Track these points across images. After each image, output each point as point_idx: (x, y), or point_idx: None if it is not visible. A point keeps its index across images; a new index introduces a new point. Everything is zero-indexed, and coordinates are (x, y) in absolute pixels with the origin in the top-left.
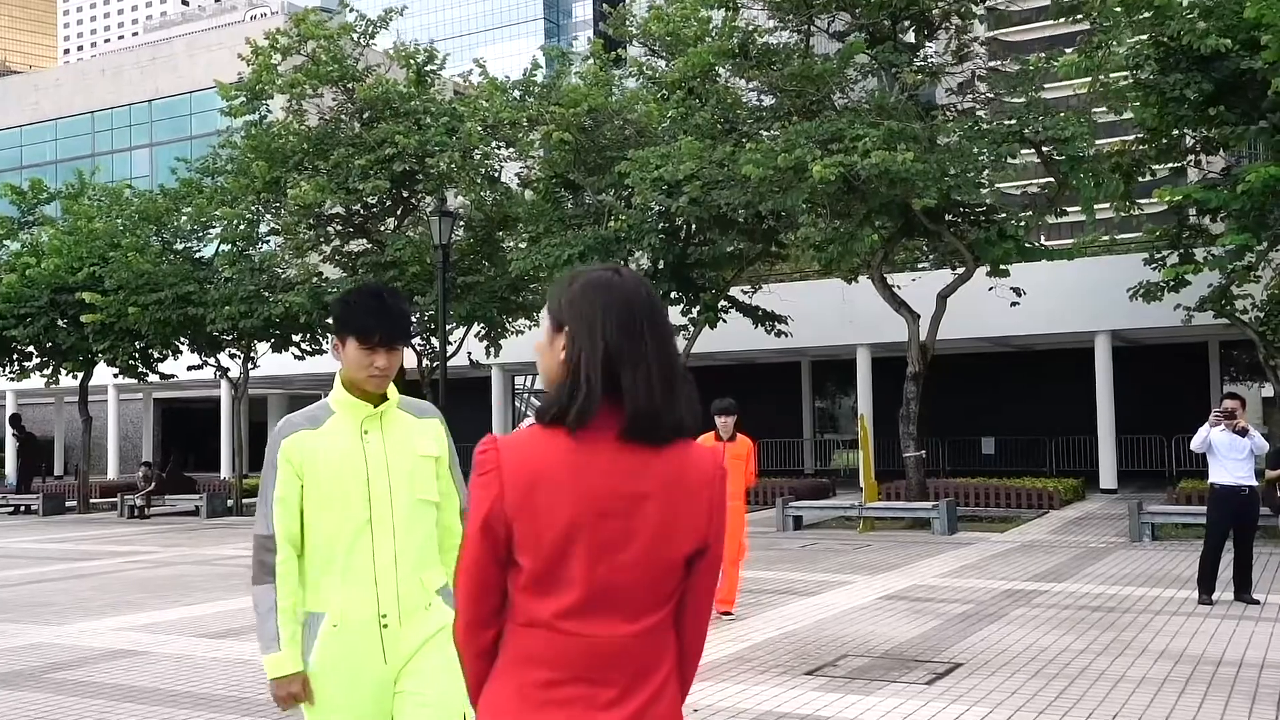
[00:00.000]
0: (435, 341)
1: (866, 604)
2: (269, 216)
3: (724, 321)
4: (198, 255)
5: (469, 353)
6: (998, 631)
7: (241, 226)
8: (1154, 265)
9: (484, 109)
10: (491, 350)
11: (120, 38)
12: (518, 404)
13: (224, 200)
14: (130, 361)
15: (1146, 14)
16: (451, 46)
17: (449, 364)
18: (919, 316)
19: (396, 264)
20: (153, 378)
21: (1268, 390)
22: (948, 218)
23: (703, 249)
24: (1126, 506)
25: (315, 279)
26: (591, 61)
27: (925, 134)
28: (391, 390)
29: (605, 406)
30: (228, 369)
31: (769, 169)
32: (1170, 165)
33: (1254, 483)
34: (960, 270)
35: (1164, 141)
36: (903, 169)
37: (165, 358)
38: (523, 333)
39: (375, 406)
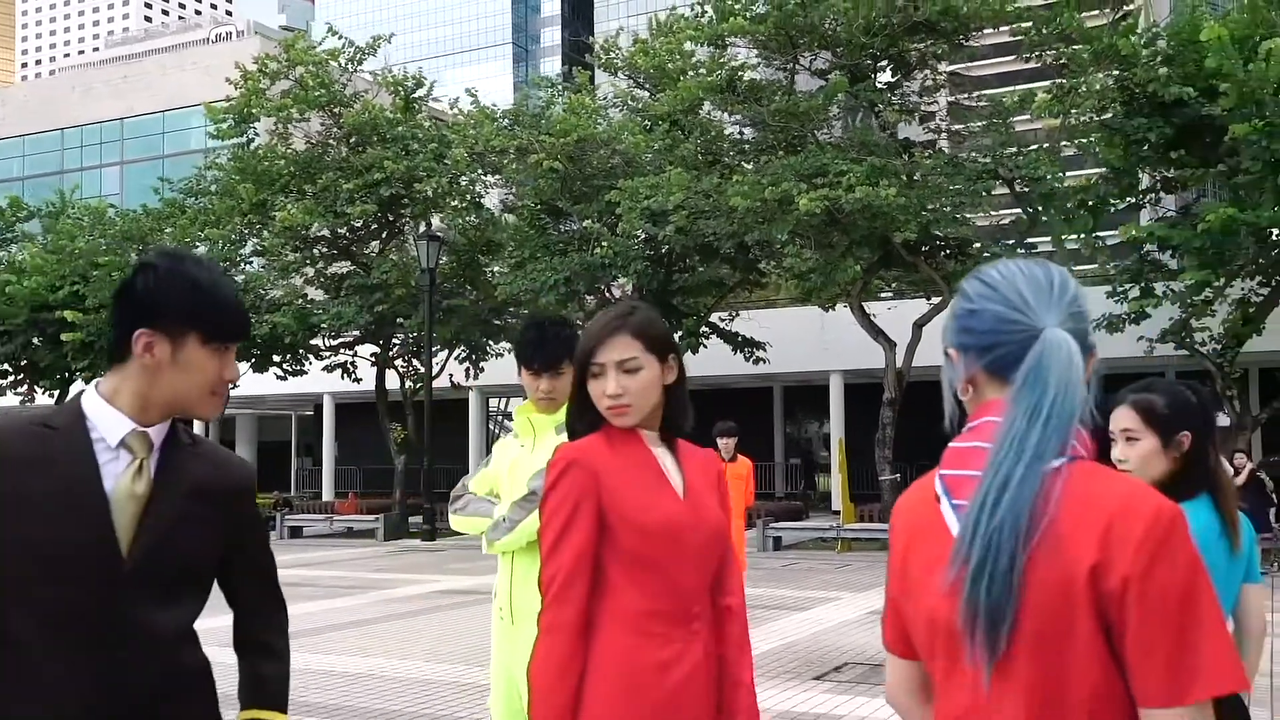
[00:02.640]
0: (418, 364)
1: (856, 618)
2: (253, 239)
3: (704, 347)
4: None
5: (450, 375)
6: None
7: (226, 248)
8: (1116, 298)
9: (471, 136)
10: (472, 373)
11: (81, 52)
12: (492, 426)
13: (208, 221)
14: None
15: (1114, 64)
16: (419, 69)
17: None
18: (895, 344)
19: (382, 286)
20: None
21: (1223, 420)
22: (925, 250)
23: (686, 276)
24: None
25: (300, 300)
26: (581, 93)
27: (905, 170)
28: (564, 410)
29: None
30: None
31: (756, 200)
32: (1132, 202)
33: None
34: (936, 300)
35: (1127, 181)
36: (885, 204)
37: None
38: (503, 355)
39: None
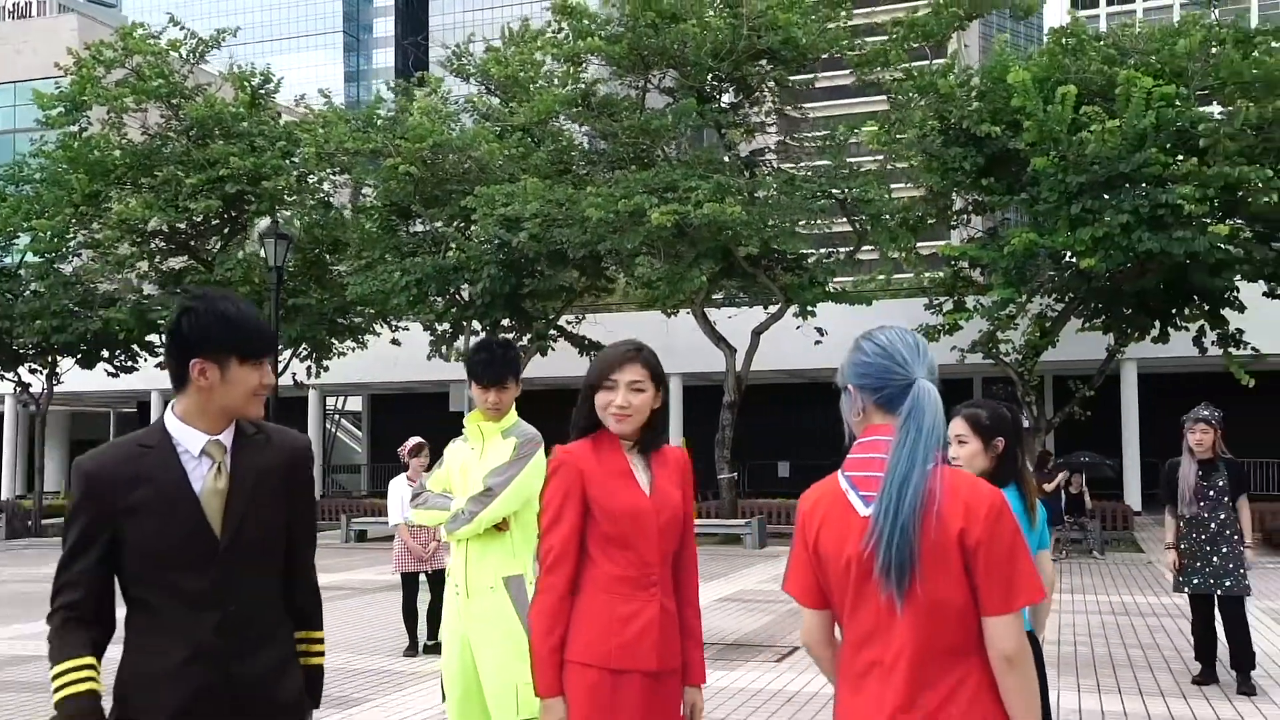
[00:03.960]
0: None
1: (705, 605)
2: (82, 231)
3: (553, 349)
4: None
5: (293, 373)
6: None
7: (53, 239)
8: (933, 310)
9: (321, 135)
10: (313, 371)
11: None
12: (328, 425)
13: (33, 211)
14: None
15: (934, 99)
16: (246, 53)
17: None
18: (735, 350)
19: (225, 284)
20: None
21: (1025, 422)
22: (764, 262)
23: (536, 281)
24: None
25: (137, 296)
26: (433, 97)
27: (747, 188)
28: (509, 418)
29: None
30: (29, 384)
31: (610, 212)
32: (949, 224)
33: None
34: (773, 309)
35: (943, 203)
36: (730, 219)
37: None
38: (345, 354)
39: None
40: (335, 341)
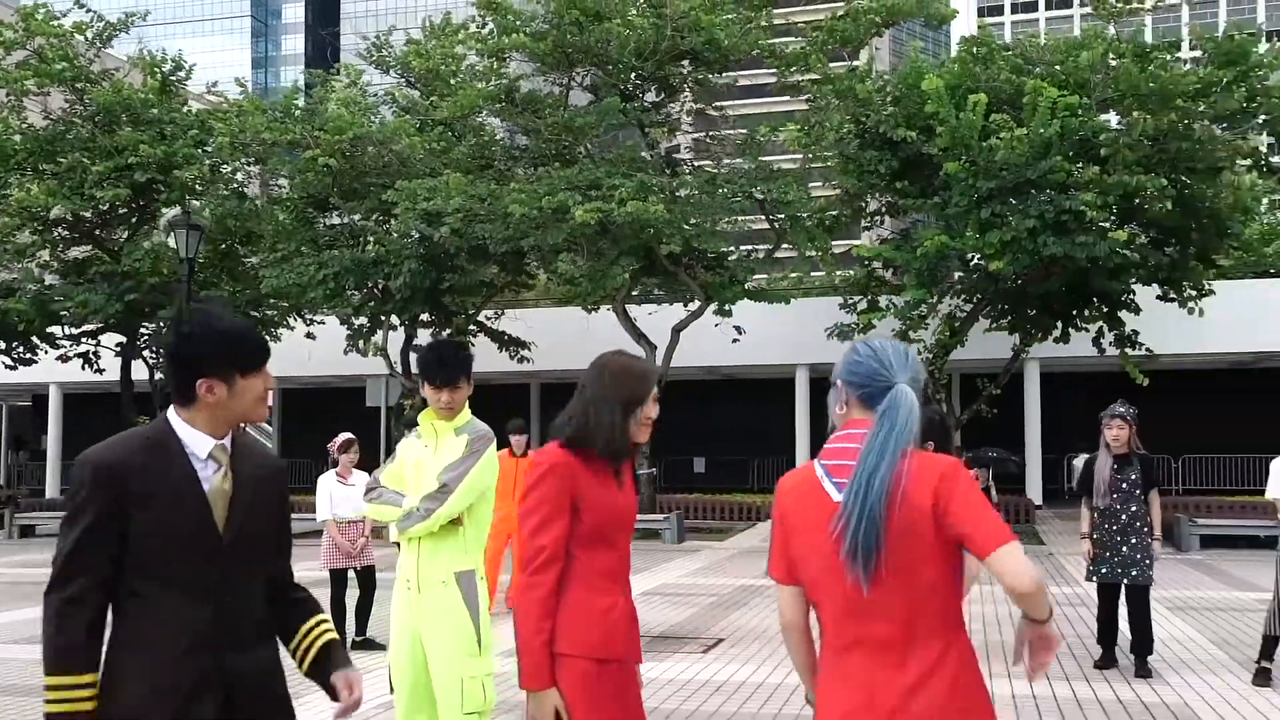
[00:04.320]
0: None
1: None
2: None
3: (472, 345)
4: None
5: None
6: (744, 615)
7: None
8: (847, 309)
9: (236, 124)
10: None
11: None
12: None
13: None
14: None
15: (852, 104)
16: (149, 36)
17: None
18: (656, 347)
19: (133, 274)
20: None
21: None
22: (685, 261)
23: (457, 276)
24: None
25: (38, 286)
26: (353, 88)
27: (668, 187)
28: (461, 416)
29: None
30: None
31: (533, 209)
32: (865, 225)
33: None
34: (694, 306)
35: (858, 204)
36: (653, 218)
37: None
38: None
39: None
40: None
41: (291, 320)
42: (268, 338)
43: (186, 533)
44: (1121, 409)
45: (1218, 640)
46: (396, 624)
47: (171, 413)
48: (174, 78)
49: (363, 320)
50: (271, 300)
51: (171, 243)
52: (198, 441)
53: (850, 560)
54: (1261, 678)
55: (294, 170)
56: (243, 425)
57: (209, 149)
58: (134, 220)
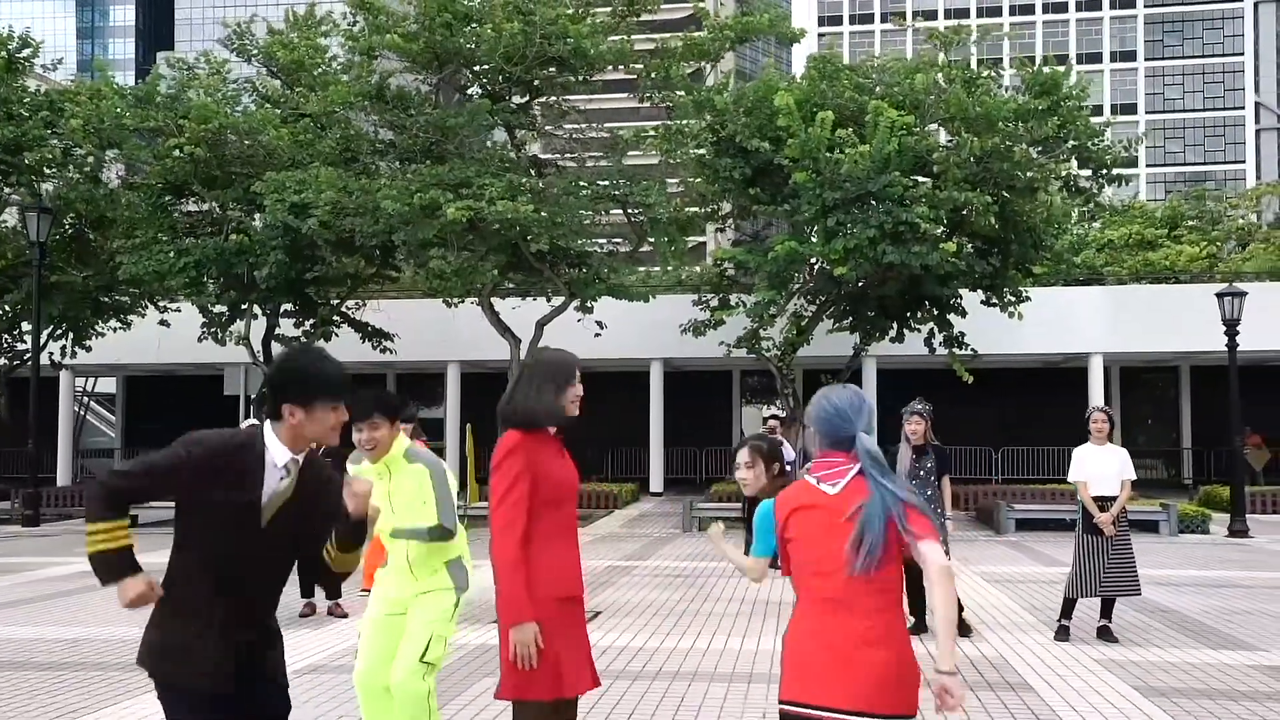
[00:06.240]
0: (12, 340)
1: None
2: None
3: (336, 335)
4: None
5: (50, 354)
6: (616, 592)
7: None
8: (701, 307)
9: (89, 107)
10: (69, 351)
11: None
12: (77, 408)
13: None
14: None
15: (708, 113)
16: (27, 29)
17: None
18: (520, 340)
19: None
20: None
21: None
22: (551, 258)
23: (322, 267)
24: (681, 504)
25: None
26: (215, 77)
27: (534, 187)
28: (398, 444)
29: None
30: None
31: (405, 205)
32: (718, 227)
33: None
34: (558, 302)
35: (713, 206)
36: (522, 217)
37: None
38: (104, 335)
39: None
40: (100, 322)
41: (143, 306)
42: (119, 325)
43: (232, 511)
44: (919, 406)
45: (1028, 607)
46: (384, 600)
47: (268, 424)
48: (20, 55)
49: (222, 309)
50: (123, 286)
51: (16, 224)
52: (279, 452)
53: (858, 568)
54: (1062, 634)
55: (152, 156)
56: (317, 445)
57: (58, 130)
58: None
